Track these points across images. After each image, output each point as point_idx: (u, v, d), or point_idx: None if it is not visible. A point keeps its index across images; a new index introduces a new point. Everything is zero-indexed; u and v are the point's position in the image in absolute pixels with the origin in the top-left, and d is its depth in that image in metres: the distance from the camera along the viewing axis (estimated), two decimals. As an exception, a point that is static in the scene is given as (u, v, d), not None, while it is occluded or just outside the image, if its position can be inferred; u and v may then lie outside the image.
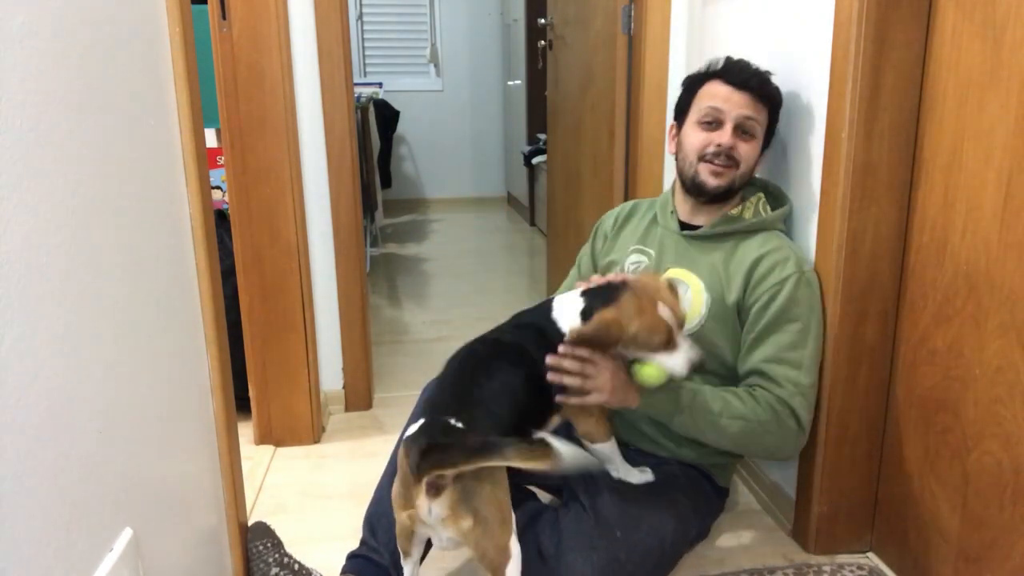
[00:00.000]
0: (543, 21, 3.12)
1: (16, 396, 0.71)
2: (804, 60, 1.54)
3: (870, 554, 1.58)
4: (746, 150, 1.46)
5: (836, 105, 1.40)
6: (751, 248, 1.47)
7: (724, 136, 1.45)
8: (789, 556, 1.58)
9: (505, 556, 1.10)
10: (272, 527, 1.52)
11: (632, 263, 1.58)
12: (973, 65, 1.24)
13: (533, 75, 4.78)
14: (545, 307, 1.36)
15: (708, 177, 1.47)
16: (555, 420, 1.33)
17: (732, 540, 1.64)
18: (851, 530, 1.57)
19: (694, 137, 1.49)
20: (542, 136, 4.48)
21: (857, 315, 1.45)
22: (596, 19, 2.43)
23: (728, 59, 1.50)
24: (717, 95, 1.46)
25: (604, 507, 1.34)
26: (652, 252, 1.56)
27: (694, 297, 1.47)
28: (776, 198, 1.57)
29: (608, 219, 1.71)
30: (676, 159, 1.56)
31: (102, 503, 0.88)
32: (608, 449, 1.39)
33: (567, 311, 1.31)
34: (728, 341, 1.46)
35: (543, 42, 3.23)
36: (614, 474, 1.41)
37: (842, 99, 1.38)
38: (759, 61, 1.72)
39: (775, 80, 1.51)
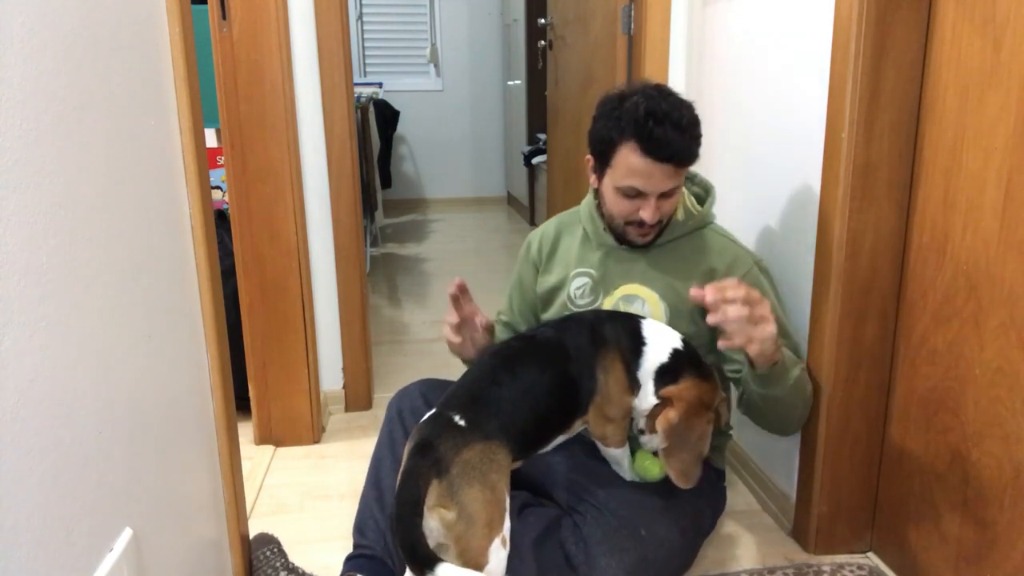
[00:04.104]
0: (543, 21, 3.13)
1: (16, 396, 0.71)
2: (804, 60, 1.54)
3: (870, 554, 1.58)
4: (669, 207, 1.41)
5: (836, 105, 1.40)
6: (698, 253, 1.48)
7: (648, 213, 1.37)
8: (789, 556, 1.58)
9: (484, 559, 1.10)
10: (275, 535, 1.53)
11: (577, 287, 1.53)
12: (973, 65, 1.24)
13: (533, 75, 4.78)
14: (629, 317, 1.39)
15: (636, 238, 1.45)
16: (578, 425, 1.33)
17: (732, 540, 1.64)
18: (851, 530, 1.57)
19: (616, 203, 1.41)
20: (542, 136, 4.48)
21: (857, 315, 1.45)
22: (596, 19, 2.43)
23: (648, 111, 1.31)
24: (636, 171, 1.34)
25: (622, 507, 1.35)
26: (594, 272, 1.51)
27: (652, 309, 1.46)
28: (697, 184, 1.57)
29: (534, 244, 1.63)
30: (599, 203, 1.49)
31: (102, 503, 0.88)
32: (620, 454, 1.39)
33: (662, 334, 1.35)
34: (699, 334, 1.45)
35: (543, 42, 3.23)
36: (625, 477, 1.42)
37: (842, 99, 1.38)
38: (758, 61, 1.73)
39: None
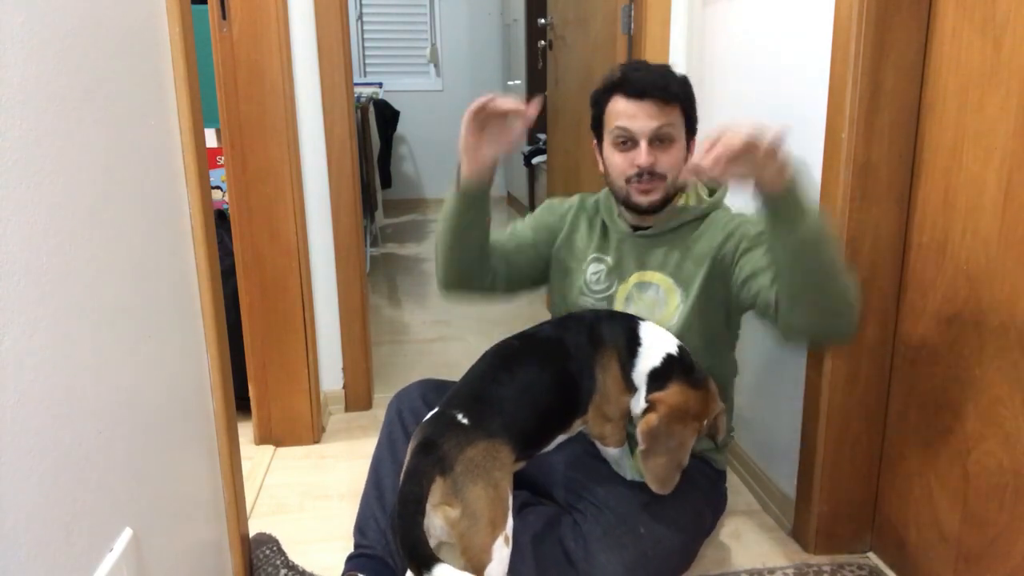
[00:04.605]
0: (543, 21, 3.13)
1: (16, 396, 0.71)
2: (804, 60, 1.54)
3: (870, 554, 1.58)
4: (667, 160, 1.40)
5: (836, 105, 1.40)
6: (708, 230, 1.45)
7: (641, 157, 1.39)
8: (789, 556, 1.58)
9: (488, 556, 1.10)
10: (273, 534, 1.53)
11: (593, 273, 1.53)
12: (973, 65, 1.24)
13: (533, 75, 4.78)
14: (628, 318, 1.38)
15: (639, 197, 1.43)
16: (578, 424, 1.33)
17: (732, 540, 1.64)
18: (851, 530, 1.57)
19: (614, 160, 1.44)
20: (542, 136, 4.48)
21: (857, 315, 1.45)
22: (596, 19, 2.43)
23: (624, 68, 1.43)
24: (622, 113, 1.40)
25: (622, 505, 1.35)
26: (609, 259, 1.52)
27: (667, 295, 1.46)
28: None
29: (559, 209, 1.60)
30: (606, 179, 1.50)
31: (102, 503, 0.88)
32: (619, 454, 1.40)
33: (657, 337, 1.33)
34: (710, 323, 1.44)
35: (543, 42, 3.23)
36: (625, 476, 1.41)
37: (842, 99, 1.38)
38: (759, 61, 1.73)
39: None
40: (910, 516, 1.45)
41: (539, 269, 1.59)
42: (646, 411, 1.29)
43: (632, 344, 1.32)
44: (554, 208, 1.62)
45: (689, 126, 1.45)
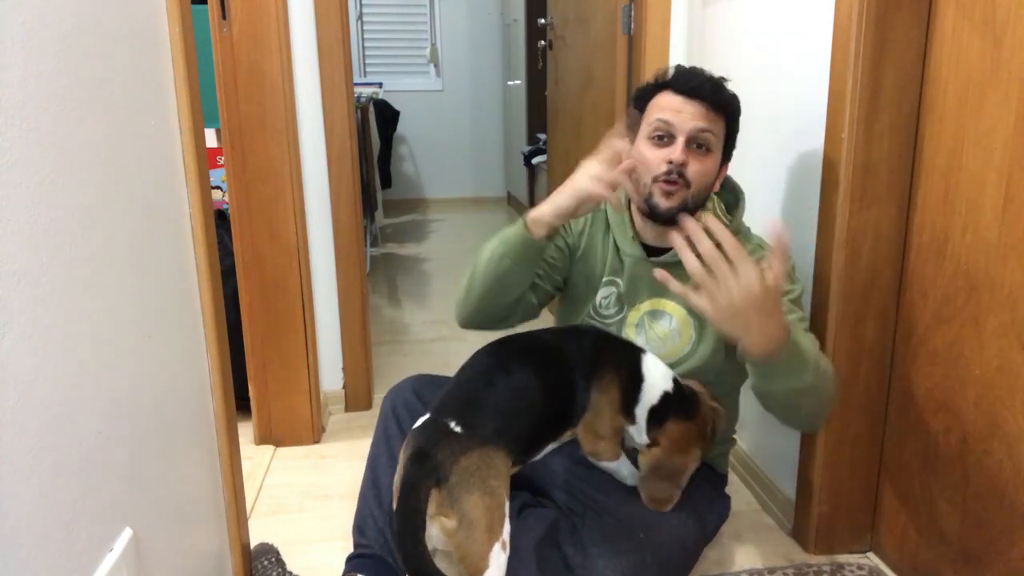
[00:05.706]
0: (543, 21, 3.13)
1: (17, 396, 0.71)
2: (804, 60, 1.54)
3: (870, 554, 1.58)
4: (698, 169, 1.34)
5: (836, 105, 1.40)
6: None
7: (675, 152, 1.32)
8: (789, 556, 1.58)
9: (485, 564, 1.09)
10: (273, 544, 1.52)
11: (603, 297, 1.48)
12: (973, 65, 1.24)
13: (533, 75, 4.78)
14: (632, 348, 1.37)
15: (660, 198, 1.35)
16: (567, 435, 1.33)
17: (732, 540, 1.64)
18: (851, 530, 1.57)
19: (646, 155, 1.36)
20: (542, 136, 4.49)
21: (857, 315, 1.45)
22: (596, 19, 2.43)
23: (678, 67, 1.39)
24: (667, 107, 1.34)
25: (623, 510, 1.34)
26: (621, 284, 1.46)
27: (680, 327, 1.43)
28: (727, 190, 1.50)
29: (574, 227, 1.54)
30: (630, 178, 1.43)
31: (102, 503, 0.88)
32: (617, 466, 1.38)
33: (658, 374, 1.33)
34: (723, 351, 1.42)
35: (543, 42, 3.24)
36: (626, 483, 1.40)
37: (842, 99, 1.38)
38: (759, 61, 1.73)
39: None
40: (910, 516, 1.45)
41: (557, 287, 1.55)
42: (649, 448, 1.33)
43: (635, 378, 1.31)
44: (569, 227, 1.54)
45: (727, 147, 1.40)
